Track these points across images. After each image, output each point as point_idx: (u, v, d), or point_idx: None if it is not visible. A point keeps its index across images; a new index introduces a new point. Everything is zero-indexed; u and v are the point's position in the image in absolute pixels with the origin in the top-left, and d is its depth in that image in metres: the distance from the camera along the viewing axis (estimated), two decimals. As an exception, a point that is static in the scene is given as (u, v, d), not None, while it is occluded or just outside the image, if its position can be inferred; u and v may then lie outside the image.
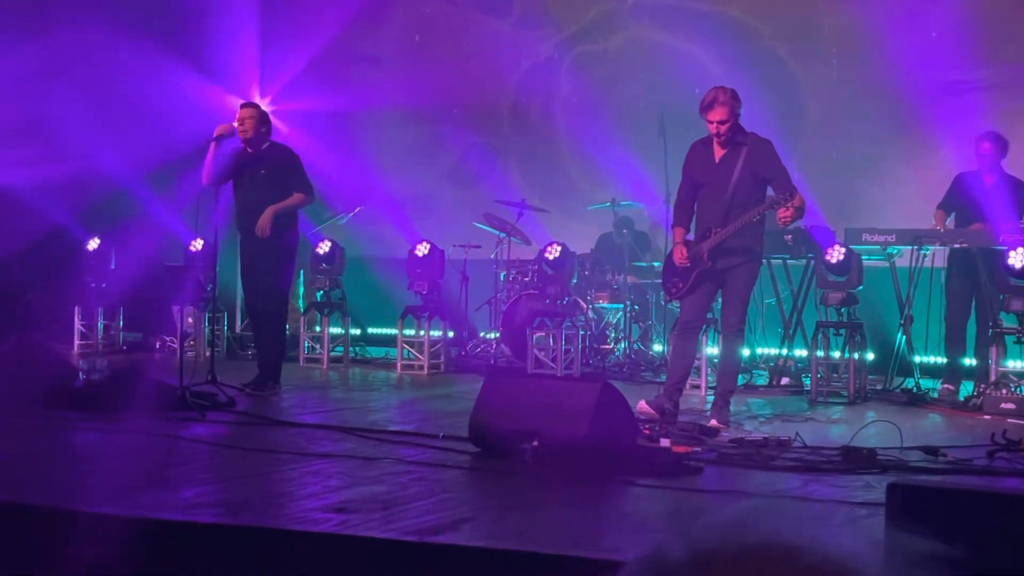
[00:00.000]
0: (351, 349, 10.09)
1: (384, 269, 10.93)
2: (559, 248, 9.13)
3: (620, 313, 9.82)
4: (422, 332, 9.48)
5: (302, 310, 10.20)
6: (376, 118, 11.81)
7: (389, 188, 11.57)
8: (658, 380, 8.08)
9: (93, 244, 10.68)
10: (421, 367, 9.33)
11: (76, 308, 10.59)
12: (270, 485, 4.73)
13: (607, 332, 9.87)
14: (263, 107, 8.43)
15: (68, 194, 10.96)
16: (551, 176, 11.13)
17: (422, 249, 9.46)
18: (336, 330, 10.13)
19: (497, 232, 10.22)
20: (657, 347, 9.78)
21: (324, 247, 9.73)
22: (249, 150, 7.65)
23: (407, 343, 9.51)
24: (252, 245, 7.66)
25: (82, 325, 10.60)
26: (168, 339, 10.59)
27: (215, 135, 7.49)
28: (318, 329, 9.87)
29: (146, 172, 10.91)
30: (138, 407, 6.32)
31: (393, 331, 9.93)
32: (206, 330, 9.89)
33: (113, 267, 10.76)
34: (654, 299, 9.92)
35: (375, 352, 10.54)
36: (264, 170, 7.62)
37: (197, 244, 10.14)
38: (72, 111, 10.74)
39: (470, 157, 11.40)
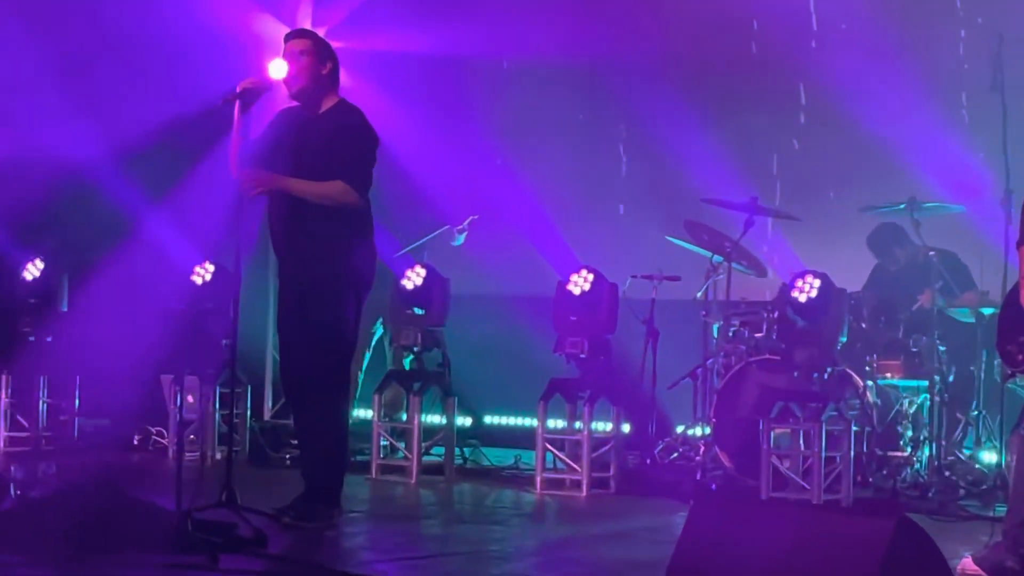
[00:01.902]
0: (458, 451, 10.18)
1: (513, 316, 10.99)
2: (817, 282, 9.02)
3: (923, 396, 9.67)
4: (579, 425, 9.47)
5: (361, 384, 10.31)
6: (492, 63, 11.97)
7: (519, 180, 11.65)
8: (992, 515, 7.92)
9: (33, 270, 10.95)
10: (577, 483, 9.31)
11: (2, 376, 10.89)
12: None
13: (900, 428, 9.71)
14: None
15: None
16: (800, 159, 11.09)
17: (580, 282, 9.46)
18: (434, 419, 10.19)
19: (707, 254, 10.18)
20: (989, 456, 9.58)
21: (415, 278, 9.81)
22: (301, 110, 7.71)
23: (552, 443, 9.52)
24: (293, 269, 7.67)
25: (10, 402, 10.90)
26: (154, 430, 10.80)
27: (238, 91, 7.56)
28: (403, 418, 9.98)
29: (129, 154, 11.17)
30: (107, 545, 6.43)
31: (529, 422, 9.96)
32: (217, 416, 10.06)
33: (65, 308, 11.03)
34: (983, 372, 9.73)
35: (497, 457, 10.59)
36: (315, 137, 7.53)
37: (206, 272, 10.34)
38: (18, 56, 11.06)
39: (654, 121, 11.41)
